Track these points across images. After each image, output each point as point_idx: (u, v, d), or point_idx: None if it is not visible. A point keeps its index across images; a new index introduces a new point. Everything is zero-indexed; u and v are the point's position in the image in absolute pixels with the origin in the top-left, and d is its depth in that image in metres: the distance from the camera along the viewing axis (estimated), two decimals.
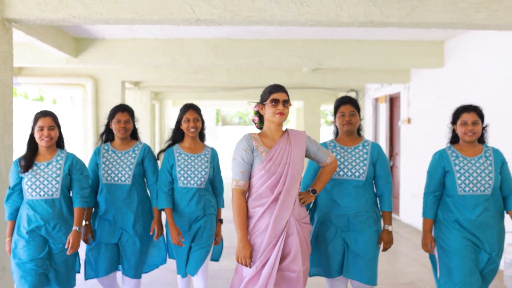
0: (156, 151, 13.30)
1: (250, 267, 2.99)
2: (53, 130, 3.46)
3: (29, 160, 3.45)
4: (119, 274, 4.10)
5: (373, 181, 3.54)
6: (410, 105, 8.77)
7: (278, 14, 3.99)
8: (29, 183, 3.43)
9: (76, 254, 3.61)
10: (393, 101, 9.90)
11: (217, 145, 23.87)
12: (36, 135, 3.46)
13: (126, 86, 10.02)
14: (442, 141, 3.68)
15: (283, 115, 3.04)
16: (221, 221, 3.89)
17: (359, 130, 3.61)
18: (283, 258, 3.02)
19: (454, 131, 3.52)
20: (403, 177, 9.01)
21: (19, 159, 3.47)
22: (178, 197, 3.73)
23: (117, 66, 7.68)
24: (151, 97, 11.26)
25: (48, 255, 3.46)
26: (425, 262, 6.05)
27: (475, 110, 3.43)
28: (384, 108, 10.23)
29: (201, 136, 3.88)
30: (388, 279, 5.45)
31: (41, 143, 3.46)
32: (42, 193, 3.43)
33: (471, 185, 3.37)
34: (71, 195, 3.53)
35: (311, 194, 3.20)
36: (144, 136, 9.73)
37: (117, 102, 8.20)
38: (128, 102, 10.01)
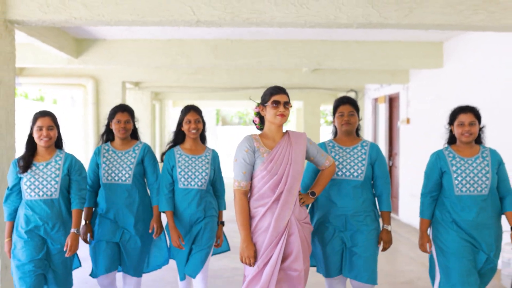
0: (156, 151, 13.34)
1: (251, 266, 3.03)
2: (52, 130, 3.47)
3: (27, 160, 3.45)
4: (119, 276, 4.10)
5: (371, 181, 3.56)
6: (409, 106, 8.81)
7: (277, 15, 4.02)
8: (28, 183, 3.43)
9: (74, 255, 3.60)
10: (392, 102, 9.94)
11: (217, 145, 23.90)
12: (35, 135, 3.46)
13: (127, 86, 10.06)
14: (441, 141, 3.70)
15: (284, 116, 3.09)
16: (222, 223, 3.87)
17: (357, 130, 3.64)
18: (285, 257, 3.06)
19: (451, 131, 3.53)
20: (402, 177, 9.05)
21: (18, 159, 3.48)
22: (179, 199, 3.72)
23: (118, 66, 7.73)
24: (152, 97, 11.30)
25: (46, 255, 3.46)
26: (424, 261, 6.09)
27: (472, 111, 3.45)
28: (383, 108, 10.27)
29: (202, 138, 3.88)
30: (387, 278, 5.50)
31: (40, 143, 3.47)
32: (41, 193, 3.43)
33: (468, 185, 3.39)
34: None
35: (310, 196, 3.26)
36: (145, 136, 9.77)
37: (117, 102, 8.23)
38: (129, 102, 10.05)
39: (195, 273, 3.68)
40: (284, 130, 3.21)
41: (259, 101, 3.21)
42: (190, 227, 3.73)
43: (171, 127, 16.33)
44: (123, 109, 3.81)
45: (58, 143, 3.57)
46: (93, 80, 8.48)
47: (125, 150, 3.83)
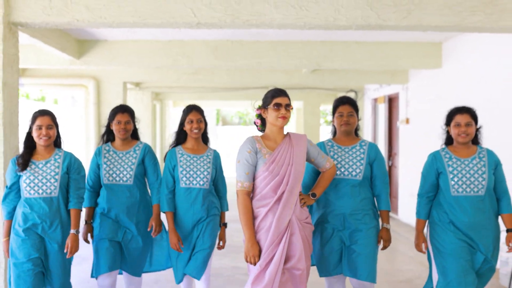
0: (157, 151, 13.39)
1: (255, 265, 3.07)
2: (51, 129, 3.48)
3: (26, 159, 3.46)
4: (119, 280, 4.09)
5: (370, 181, 3.58)
6: (409, 106, 8.85)
7: (277, 17, 4.07)
8: (27, 181, 3.43)
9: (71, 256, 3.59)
10: (392, 102, 9.98)
11: (218, 145, 23.93)
12: (34, 134, 3.47)
13: (128, 86, 10.12)
14: (440, 141, 3.73)
15: (286, 118, 3.14)
16: (225, 225, 3.85)
17: (356, 130, 3.66)
18: (289, 257, 3.11)
19: (448, 132, 3.55)
20: (402, 177, 9.10)
21: (17, 158, 3.49)
22: (181, 198, 3.71)
23: (119, 67, 7.78)
24: (152, 98, 11.36)
25: (44, 254, 3.46)
26: (422, 261, 6.15)
27: (468, 112, 3.46)
28: (383, 109, 10.32)
29: (205, 138, 3.87)
30: (386, 276, 5.55)
31: (40, 142, 3.48)
32: (40, 191, 3.44)
33: (464, 186, 3.40)
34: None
35: (311, 197, 3.31)
36: (145, 136, 9.84)
37: (118, 102, 8.29)
38: (129, 103, 10.11)
39: (200, 275, 3.66)
40: (285, 132, 3.25)
41: (260, 103, 3.26)
42: (192, 227, 3.71)
43: (172, 127, 16.38)
44: (123, 110, 3.82)
45: (56, 142, 3.59)
46: (94, 81, 8.54)
47: (126, 151, 3.84)
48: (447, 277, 3.37)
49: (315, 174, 3.55)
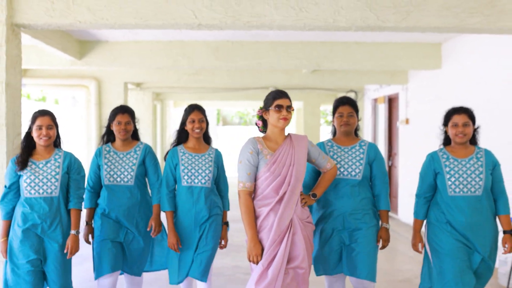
0: (157, 150, 13.43)
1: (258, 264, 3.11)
2: (51, 129, 3.49)
3: (24, 158, 3.45)
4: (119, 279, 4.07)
5: (370, 181, 3.60)
6: (408, 106, 8.88)
7: (277, 19, 4.10)
8: (28, 180, 3.43)
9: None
10: (391, 102, 10.01)
11: (218, 145, 23.95)
12: (34, 134, 3.48)
13: (128, 87, 10.16)
14: (439, 141, 3.75)
15: (287, 120, 3.18)
16: (226, 224, 3.83)
17: (356, 130, 3.68)
18: (292, 256, 3.14)
19: (446, 133, 3.56)
20: (402, 177, 9.14)
21: (17, 157, 3.50)
22: (183, 197, 3.70)
23: (120, 68, 7.82)
24: (153, 98, 11.40)
25: (44, 255, 3.45)
26: (422, 260, 6.17)
27: (466, 112, 3.47)
28: (382, 109, 10.35)
29: (206, 138, 3.86)
30: (386, 276, 5.58)
31: (40, 142, 3.48)
32: (41, 191, 3.44)
33: (461, 186, 3.41)
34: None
35: (312, 198, 3.34)
36: (146, 136, 9.88)
37: (120, 102, 8.33)
38: (130, 103, 10.15)
39: (205, 277, 3.66)
40: (286, 133, 3.29)
41: (261, 107, 3.30)
42: (195, 227, 3.69)
43: (172, 127, 16.41)
44: (123, 111, 3.82)
45: (56, 142, 3.59)
46: (95, 81, 8.58)
47: (127, 151, 3.84)
48: (444, 277, 3.39)
49: (316, 174, 3.58)
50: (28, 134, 3.53)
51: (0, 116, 4.01)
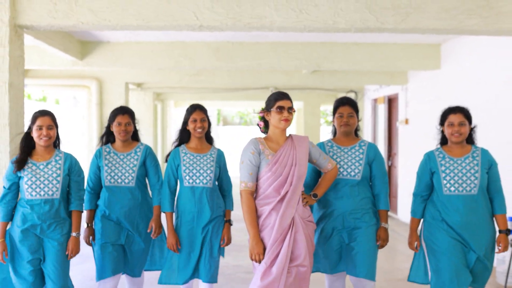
0: (158, 151, 13.47)
1: (260, 263, 3.16)
2: (51, 130, 3.47)
3: (23, 158, 3.44)
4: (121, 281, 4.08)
5: (370, 180, 3.63)
6: (408, 106, 8.93)
7: (277, 20, 4.14)
8: (29, 182, 3.42)
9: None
10: (391, 102, 10.06)
11: (219, 145, 23.95)
12: (35, 134, 3.46)
13: (129, 87, 10.21)
14: (436, 141, 3.79)
15: (288, 121, 3.24)
16: (229, 222, 3.81)
17: (357, 130, 3.71)
18: (294, 255, 3.20)
19: (443, 132, 3.58)
20: (401, 176, 9.18)
21: (15, 158, 3.48)
22: (184, 198, 3.70)
23: (122, 68, 7.87)
24: (154, 98, 11.45)
25: (43, 254, 3.45)
26: None
27: (462, 112, 3.48)
28: (382, 109, 10.40)
29: (208, 138, 3.86)
30: (385, 275, 5.62)
31: (40, 142, 3.46)
32: (42, 193, 3.43)
33: (456, 185, 3.43)
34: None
35: (313, 198, 3.39)
36: (147, 136, 9.93)
37: (121, 103, 8.37)
38: (131, 103, 10.19)
39: (215, 279, 3.69)
40: (287, 134, 3.34)
41: (263, 108, 3.35)
42: (198, 227, 3.68)
43: (173, 127, 16.45)
44: (123, 112, 3.81)
45: (55, 143, 3.58)
46: (97, 81, 8.63)
47: (127, 152, 3.84)
48: (440, 276, 3.42)
49: (316, 174, 3.63)
50: (28, 134, 3.51)
51: (3, 116, 4.06)
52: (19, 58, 4.19)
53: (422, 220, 3.64)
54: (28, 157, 3.48)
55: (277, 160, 3.22)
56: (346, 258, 3.55)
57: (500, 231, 3.47)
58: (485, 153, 3.53)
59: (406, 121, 8.86)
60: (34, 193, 3.43)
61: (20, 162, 3.44)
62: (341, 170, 3.55)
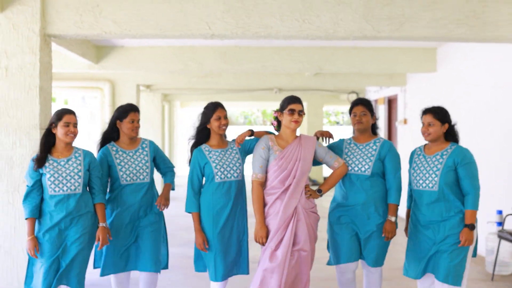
0: (165, 149, 13.83)
1: (264, 245, 3.58)
2: (76, 127, 3.58)
3: (43, 156, 3.51)
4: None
5: (383, 176, 3.80)
6: (407, 107, 9.25)
7: (282, 30, 4.49)
8: (52, 179, 3.50)
9: (90, 250, 3.65)
10: (391, 103, 10.38)
11: None
12: (61, 131, 3.52)
13: (140, 88, 10.58)
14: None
15: (298, 123, 3.65)
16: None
17: (374, 128, 3.90)
18: (296, 240, 3.59)
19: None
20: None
21: (36, 156, 3.55)
22: (217, 195, 3.68)
23: (134, 71, 8.24)
24: (162, 99, 11.81)
25: (63, 251, 3.53)
26: None
27: (431, 112, 3.63)
28: (383, 109, 10.73)
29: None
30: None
31: (66, 139, 3.54)
32: (65, 188, 3.52)
33: (421, 181, 3.63)
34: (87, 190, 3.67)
35: (317, 193, 3.75)
36: (156, 136, 10.29)
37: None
38: (141, 104, 10.56)
39: (247, 267, 3.79)
40: (298, 134, 3.75)
41: (277, 109, 3.76)
42: (232, 221, 3.72)
43: (179, 127, 16.83)
44: (135, 109, 3.87)
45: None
46: (109, 83, 8.99)
47: (135, 149, 3.88)
48: (405, 258, 3.79)
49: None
50: (49, 131, 3.58)
51: (34, 117, 4.38)
52: (47, 64, 4.55)
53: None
54: (48, 154, 3.56)
55: (283, 156, 3.63)
56: (359, 248, 3.79)
57: (464, 225, 3.54)
58: (456, 151, 3.60)
59: (405, 121, 9.17)
60: (57, 189, 3.52)
61: (40, 160, 3.52)
62: (353, 165, 3.79)
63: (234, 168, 3.73)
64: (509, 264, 5.66)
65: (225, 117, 3.76)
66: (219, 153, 3.75)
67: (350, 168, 3.80)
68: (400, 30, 4.57)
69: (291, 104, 3.65)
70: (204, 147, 3.78)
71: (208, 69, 7.60)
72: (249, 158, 3.91)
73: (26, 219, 3.53)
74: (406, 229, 3.93)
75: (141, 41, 7.07)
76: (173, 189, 3.97)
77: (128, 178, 3.83)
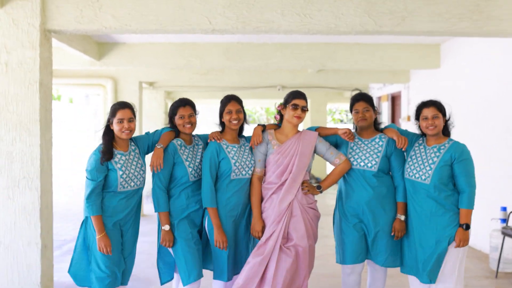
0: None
1: (260, 239, 3.58)
2: (132, 122, 3.43)
3: (109, 150, 3.38)
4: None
5: (389, 173, 3.71)
6: (410, 104, 9.23)
7: (283, 24, 4.48)
8: (124, 176, 3.41)
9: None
10: (394, 100, 10.37)
11: None
12: (116, 128, 3.40)
13: (142, 86, 10.58)
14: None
15: (300, 118, 3.63)
16: None
17: (376, 123, 3.78)
18: (291, 236, 3.57)
19: (420, 127, 3.63)
20: None
21: (99, 151, 3.39)
22: (230, 191, 3.57)
23: (136, 68, 8.25)
24: (164, 96, 11.83)
25: (122, 245, 3.50)
26: None
27: (434, 105, 3.55)
28: (386, 106, 10.71)
29: (241, 130, 3.75)
30: None
31: (122, 136, 3.41)
32: (132, 184, 3.47)
33: (414, 172, 3.56)
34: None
35: (317, 190, 3.70)
36: None
37: (134, 101, 8.74)
38: (144, 101, 10.57)
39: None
40: (300, 129, 3.72)
41: (281, 103, 3.74)
42: (244, 219, 3.66)
43: None
44: (189, 103, 3.66)
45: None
46: (112, 80, 9.01)
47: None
48: (404, 258, 3.76)
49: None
50: (108, 127, 3.47)
51: (34, 112, 4.39)
52: (47, 60, 4.55)
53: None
54: (113, 148, 3.42)
55: (280, 151, 3.62)
56: (367, 246, 3.70)
57: (459, 225, 3.47)
58: (453, 146, 3.53)
59: (408, 118, 9.15)
60: (126, 185, 3.43)
61: (107, 153, 3.37)
62: (359, 161, 3.68)
63: (249, 165, 3.63)
64: None
65: (238, 111, 3.58)
66: (236, 149, 3.63)
67: (355, 163, 3.70)
68: (402, 24, 4.54)
69: (295, 99, 3.63)
70: (222, 142, 3.63)
71: (210, 66, 7.61)
72: None
73: (92, 216, 3.37)
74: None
75: (143, 37, 7.08)
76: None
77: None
